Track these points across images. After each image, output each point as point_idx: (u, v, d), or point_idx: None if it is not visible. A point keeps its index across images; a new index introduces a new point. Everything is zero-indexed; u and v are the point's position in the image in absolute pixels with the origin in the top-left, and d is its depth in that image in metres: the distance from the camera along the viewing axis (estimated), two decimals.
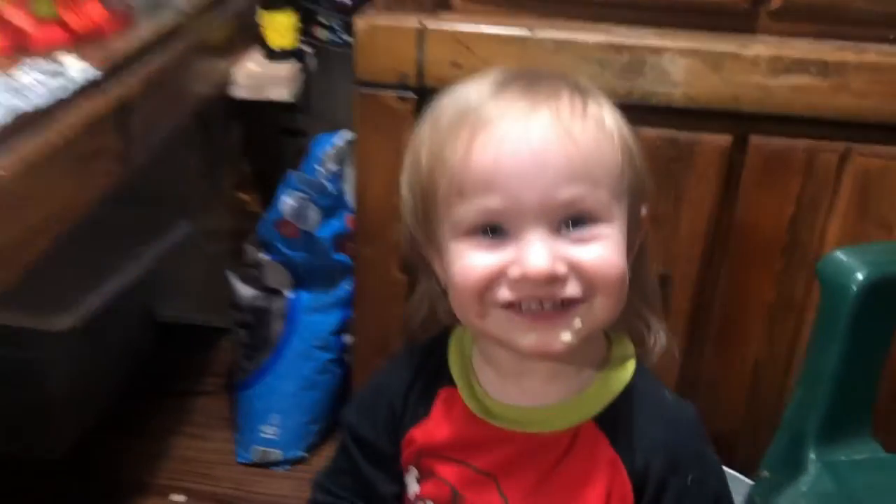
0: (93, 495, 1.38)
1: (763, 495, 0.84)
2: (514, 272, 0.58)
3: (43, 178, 0.68)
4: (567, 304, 0.59)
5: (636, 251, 0.65)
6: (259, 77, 1.25)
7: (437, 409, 0.70)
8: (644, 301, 0.68)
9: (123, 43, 0.90)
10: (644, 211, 0.65)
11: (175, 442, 1.53)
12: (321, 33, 1.39)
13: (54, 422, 1.43)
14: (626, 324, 0.69)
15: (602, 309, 0.60)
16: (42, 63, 0.77)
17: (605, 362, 0.67)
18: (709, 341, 1.27)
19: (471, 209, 0.58)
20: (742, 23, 1.13)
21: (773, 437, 1.21)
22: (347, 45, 1.39)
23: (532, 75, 0.62)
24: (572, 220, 0.58)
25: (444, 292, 0.67)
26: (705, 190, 1.16)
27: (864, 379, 0.84)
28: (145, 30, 0.95)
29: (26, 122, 0.67)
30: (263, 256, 1.36)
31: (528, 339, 0.60)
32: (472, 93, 0.61)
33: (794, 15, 1.11)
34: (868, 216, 1.14)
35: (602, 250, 0.58)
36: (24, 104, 0.67)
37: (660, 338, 0.68)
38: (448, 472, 0.68)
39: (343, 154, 1.31)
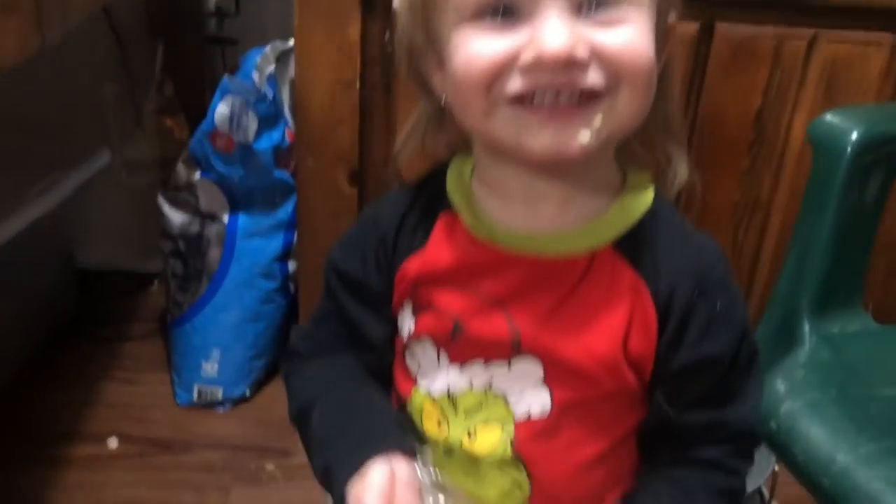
0: (24, 446, 1.27)
1: None
2: (528, 56, 0.50)
3: None
4: (587, 98, 0.51)
5: (661, 66, 0.57)
6: None
7: (436, 235, 0.61)
8: (666, 129, 0.61)
9: None
10: (673, 17, 0.57)
11: (106, 388, 1.42)
12: None
13: None
14: (643, 156, 0.61)
15: (627, 105, 0.52)
16: None
17: (622, 189, 0.60)
18: None
19: None
20: None
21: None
22: None
23: None
24: (596, 2, 0.50)
25: (443, 112, 0.59)
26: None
27: (858, 246, 0.80)
28: None
29: None
30: (196, 176, 1.25)
31: (542, 138, 0.52)
32: None
33: None
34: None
35: (630, 34, 0.51)
36: None
37: (681, 169, 0.61)
38: (450, 300, 0.60)
39: (281, 61, 1.21)
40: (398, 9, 0.57)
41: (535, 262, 0.58)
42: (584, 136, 0.51)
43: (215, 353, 1.34)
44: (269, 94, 1.18)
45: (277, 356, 1.42)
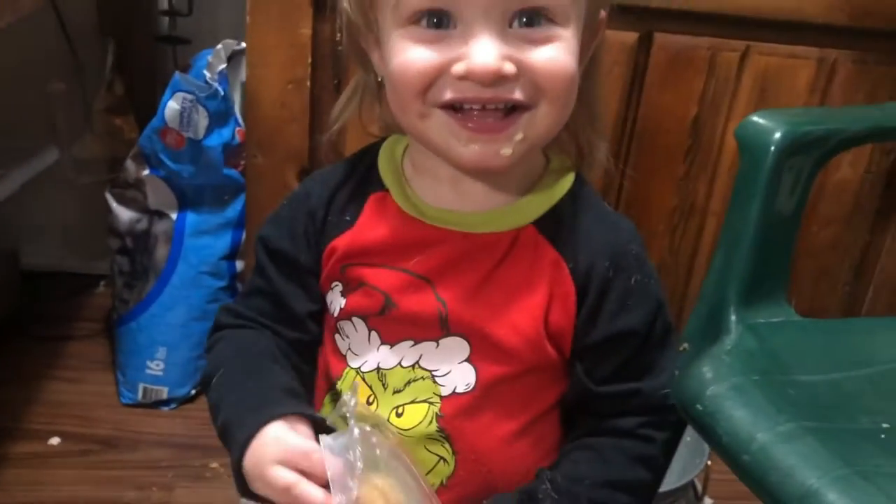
0: None
1: (685, 365, 0.83)
2: (459, 69, 0.53)
3: None
4: (510, 113, 0.55)
5: (589, 58, 0.61)
6: None
7: (366, 214, 0.64)
8: (591, 119, 0.64)
9: None
10: (602, 14, 0.61)
11: (49, 387, 1.40)
12: None
13: None
14: (568, 142, 0.65)
15: (546, 118, 0.56)
16: None
17: (545, 173, 0.64)
18: None
19: None
20: None
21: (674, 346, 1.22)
22: None
23: None
24: (526, 16, 0.54)
25: (381, 86, 0.61)
26: (612, 88, 1.15)
27: (781, 240, 0.84)
28: None
29: None
30: (145, 173, 1.25)
31: (470, 150, 0.56)
32: None
33: None
34: None
35: (555, 52, 0.54)
36: None
37: (599, 156, 0.65)
38: (379, 277, 0.63)
39: (233, 61, 1.23)
40: None
41: (462, 240, 0.61)
42: (506, 150, 0.56)
43: (161, 352, 1.34)
44: (221, 91, 1.19)
45: None
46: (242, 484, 0.59)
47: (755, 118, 0.82)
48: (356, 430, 0.55)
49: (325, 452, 0.55)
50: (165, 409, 1.37)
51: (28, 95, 1.48)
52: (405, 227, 0.63)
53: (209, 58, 1.21)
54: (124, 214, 1.30)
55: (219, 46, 1.21)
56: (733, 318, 0.82)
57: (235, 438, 0.59)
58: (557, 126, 0.58)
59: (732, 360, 0.79)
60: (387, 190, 0.64)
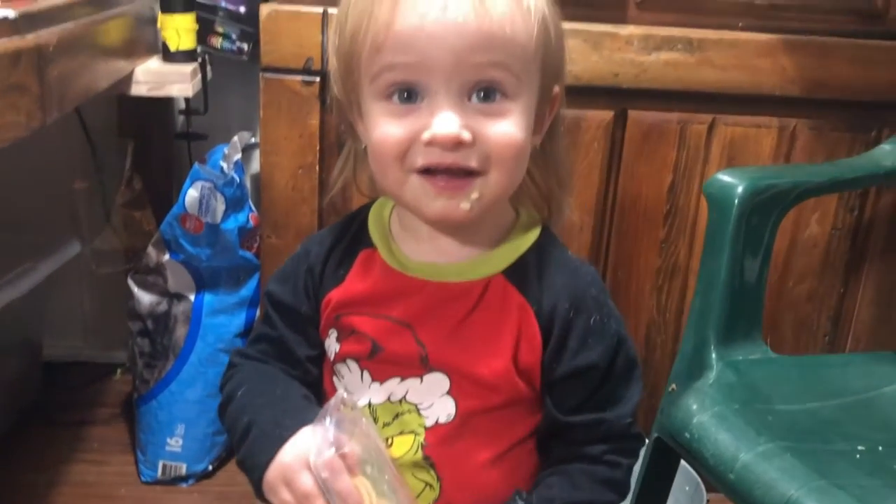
0: None
1: (672, 403, 0.90)
2: (426, 136, 0.62)
3: None
4: (468, 176, 0.64)
5: (547, 128, 0.71)
6: (159, 74, 1.27)
7: (356, 269, 0.73)
8: (558, 180, 0.74)
9: (35, 3, 0.91)
10: (556, 89, 0.70)
11: (73, 469, 1.46)
12: (217, 41, 1.43)
13: None
14: (539, 200, 0.74)
15: (497, 182, 0.64)
16: None
17: (514, 227, 0.72)
18: None
19: (388, 68, 0.62)
20: (613, 14, 1.26)
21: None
22: (243, 52, 1.44)
23: None
24: (482, 91, 0.62)
25: (366, 152, 0.70)
26: (592, 163, 1.26)
27: (752, 284, 0.93)
28: (51, 2, 0.96)
29: None
30: (165, 258, 1.35)
31: (435, 205, 0.64)
32: None
33: (657, 4, 1.25)
34: None
35: (507, 127, 0.63)
36: None
37: (564, 208, 0.74)
38: (367, 325, 0.71)
39: (244, 149, 1.34)
40: (330, 72, 0.71)
41: (438, 289, 0.69)
42: (465, 205, 0.64)
43: (180, 429, 1.40)
44: (237, 179, 1.30)
45: None
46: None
47: (721, 175, 0.93)
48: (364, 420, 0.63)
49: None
50: (184, 485, 1.43)
51: (52, 193, 1.59)
52: (388, 279, 0.71)
53: (225, 149, 1.32)
54: (145, 298, 1.38)
55: (234, 139, 1.32)
56: (714, 355, 0.91)
57: (270, 437, 0.66)
58: (509, 187, 0.67)
59: (715, 393, 0.87)
60: (374, 247, 0.73)
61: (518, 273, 0.70)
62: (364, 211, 0.76)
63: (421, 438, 0.70)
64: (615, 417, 0.70)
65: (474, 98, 0.63)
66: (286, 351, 0.75)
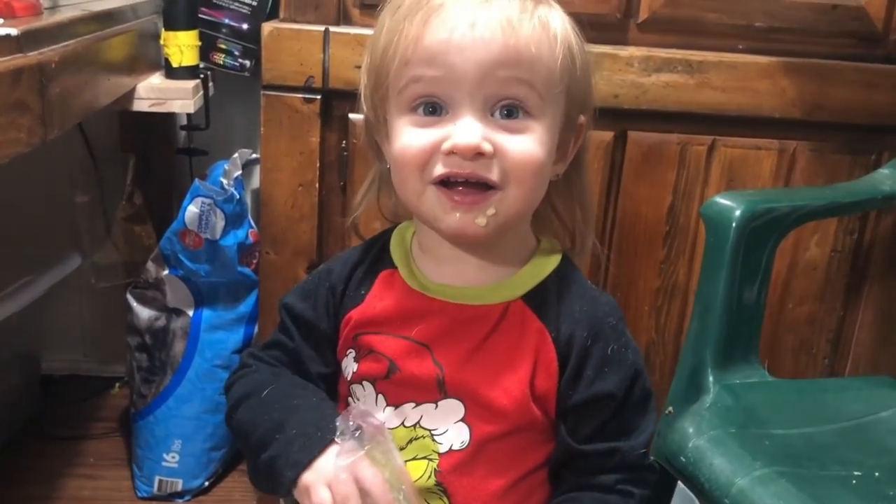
0: None
1: (668, 426, 0.90)
2: (447, 146, 0.63)
3: None
4: (485, 191, 0.64)
5: (571, 158, 0.72)
6: (161, 90, 1.28)
7: (376, 288, 0.73)
8: (583, 214, 0.74)
9: (39, 21, 0.92)
10: (582, 119, 0.70)
11: (69, 484, 1.45)
12: (220, 58, 1.43)
13: None
14: (561, 231, 0.75)
15: (514, 199, 0.65)
16: None
17: (534, 254, 0.73)
18: None
19: (415, 80, 0.63)
20: (614, 35, 1.26)
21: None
22: (245, 68, 1.45)
23: None
24: (505, 108, 0.63)
25: (390, 173, 0.71)
26: (593, 181, 1.25)
27: (750, 307, 0.93)
28: (54, 19, 0.97)
29: None
30: (165, 273, 1.35)
31: (451, 219, 0.64)
32: None
33: (659, 26, 1.25)
34: None
35: (527, 143, 0.64)
36: None
37: (587, 242, 0.75)
38: (385, 345, 0.71)
39: (245, 165, 1.34)
40: (360, 91, 0.71)
41: (458, 311, 0.70)
42: (481, 220, 0.65)
43: (176, 444, 1.39)
44: (237, 195, 1.30)
45: (235, 448, 1.48)
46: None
47: (718, 198, 0.93)
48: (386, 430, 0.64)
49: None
50: (179, 500, 1.42)
51: (53, 206, 1.59)
52: (408, 300, 0.71)
53: (226, 165, 1.33)
54: (144, 313, 1.38)
55: (235, 155, 1.32)
56: (710, 378, 0.90)
57: (312, 438, 0.66)
58: (526, 206, 0.67)
59: (711, 416, 0.87)
60: (395, 268, 0.73)
61: (537, 298, 0.70)
62: (387, 234, 0.77)
63: (434, 464, 0.70)
64: (629, 448, 0.69)
65: (497, 114, 0.64)
66: (300, 364, 0.75)
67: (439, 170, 0.64)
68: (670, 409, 0.93)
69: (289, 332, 0.76)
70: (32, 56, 0.84)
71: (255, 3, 1.41)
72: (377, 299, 0.73)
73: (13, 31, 0.80)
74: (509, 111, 0.63)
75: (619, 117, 1.24)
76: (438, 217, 0.65)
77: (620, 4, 1.24)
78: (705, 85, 1.22)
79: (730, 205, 0.91)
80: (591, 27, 1.23)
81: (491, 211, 0.64)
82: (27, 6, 0.95)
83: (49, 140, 0.89)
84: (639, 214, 1.28)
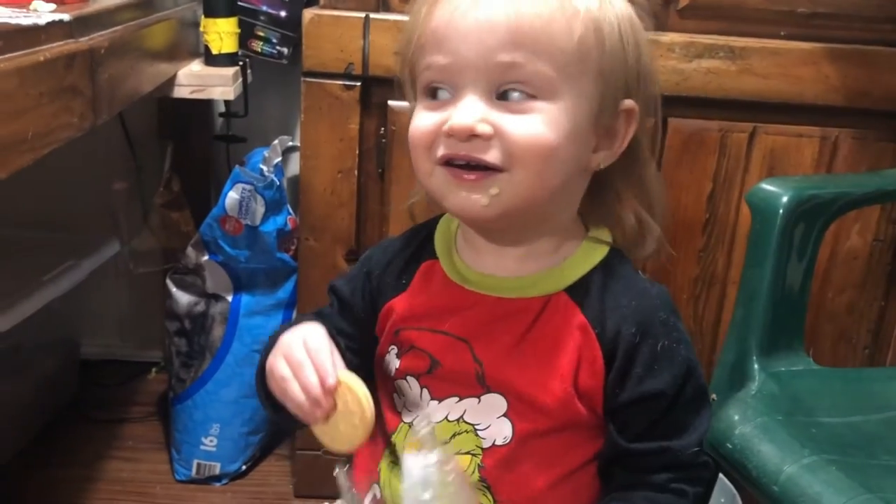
0: None
1: (713, 414, 0.90)
2: (445, 127, 0.62)
3: (28, 88, 0.70)
4: (485, 170, 0.62)
5: (623, 145, 0.67)
6: (201, 77, 1.29)
7: (417, 279, 0.73)
8: (647, 203, 0.71)
9: (87, 7, 0.93)
10: (628, 104, 0.65)
11: (108, 466, 1.48)
12: (257, 45, 1.44)
13: None
14: (612, 217, 0.71)
15: (521, 182, 0.62)
16: (15, 8, 0.80)
17: (580, 245, 0.70)
18: None
19: (427, 67, 0.64)
20: (655, 21, 1.24)
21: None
22: (283, 56, 1.45)
23: None
24: (512, 90, 0.61)
25: None
26: (659, 175, 1.25)
27: (795, 295, 0.92)
28: (101, 5, 0.98)
29: (11, 35, 0.69)
30: (204, 258, 1.36)
31: (455, 197, 0.63)
32: None
33: (699, 12, 1.24)
34: None
35: (532, 124, 0.61)
36: (9, 20, 0.70)
37: (648, 238, 0.71)
38: (425, 340, 0.70)
39: (284, 153, 1.35)
40: (396, 81, 0.72)
41: (496, 304, 0.68)
42: (483, 200, 0.62)
43: (215, 429, 1.41)
44: (277, 182, 1.31)
45: (272, 432, 1.50)
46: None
47: (764, 185, 0.92)
48: (435, 455, 0.62)
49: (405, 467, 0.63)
50: (217, 484, 1.44)
51: (93, 193, 1.61)
52: (447, 292, 0.70)
53: (265, 152, 1.33)
54: (183, 298, 1.40)
55: (275, 142, 1.33)
56: (756, 366, 0.90)
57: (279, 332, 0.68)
58: (536, 192, 0.63)
59: (757, 403, 0.87)
60: (437, 258, 0.73)
61: (581, 292, 0.67)
62: (433, 222, 0.76)
63: (478, 460, 0.69)
64: (681, 447, 0.67)
65: (502, 96, 0.62)
66: (333, 331, 0.73)
67: (441, 150, 0.63)
68: (714, 396, 0.92)
69: (332, 305, 0.77)
70: (84, 41, 0.85)
71: None
72: (417, 292, 0.72)
73: (65, 17, 0.81)
74: (515, 92, 0.62)
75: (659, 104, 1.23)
76: (445, 195, 0.65)
77: None
78: (747, 71, 1.21)
79: (776, 191, 0.90)
80: None
81: (494, 191, 0.62)
82: None
83: (98, 125, 0.90)
84: (678, 202, 1.27)
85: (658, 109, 0.70)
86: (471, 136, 0.61)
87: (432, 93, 0.64)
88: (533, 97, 0.61)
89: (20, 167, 0.70)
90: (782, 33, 1.24)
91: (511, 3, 0.60)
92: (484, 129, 0.61)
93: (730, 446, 0.82)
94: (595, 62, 0.63)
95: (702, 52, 1.20)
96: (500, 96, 0.62)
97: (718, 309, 1.32)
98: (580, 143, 0.64)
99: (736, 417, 0.84)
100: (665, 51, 1.20)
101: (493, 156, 0.61)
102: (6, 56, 0.68)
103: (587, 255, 0.69)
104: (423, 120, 0.64)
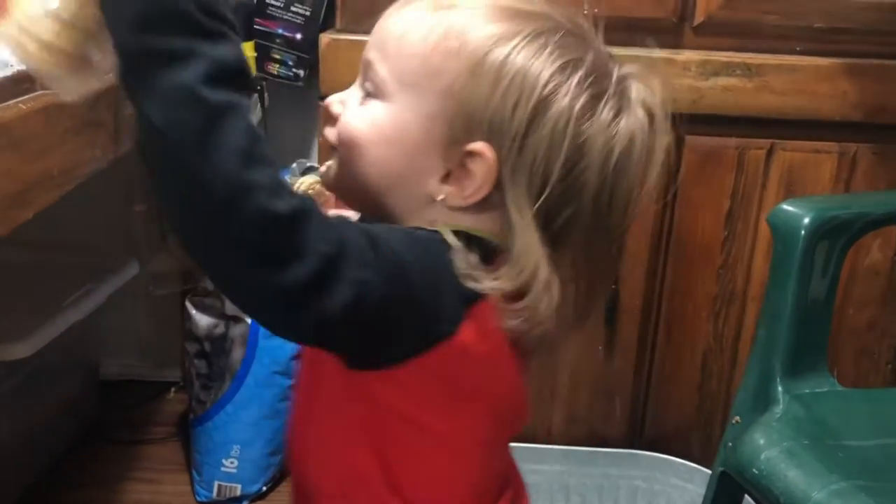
0: None
1: (736, 437, 0.89)
2: None
3: (54, 126, 0.70)
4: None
5: (476, 192, 0.60)
6: None
7: None
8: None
9: None
10: (478, 146, 0.59)
11: (129, 488, 1.48)
12: (274, 68, 1.45)
13: (2, 473, 1.37)
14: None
15: (340, 166, 0.64)
16: None
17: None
18: (659, 337, 1.34)
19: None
20: (670, 38, 1.25)
21: (724, 430, 1.27)
22: (299, 78, 1.46)
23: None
24: (367, 89, 0.63)
25: None
26: (648, 188, 1.25)
27: (818, 316, 0.92)
28: None
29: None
30: None
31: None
32: None
33: (714, 29, 1.24)
34: None
35: (354, 115, 0.63)
36: None
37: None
38: None
39: (303, 174, 1.35)
40: None
41: None
42: (324, 169, 0.66)
43: (235, 450, 1.41)
44: None
45: None
46: None
47: (785, 206, 0.91)
48: None
49: None
50: None
51: (112, 216, 1.62)
52: None
53: (287, 176, 1.34)
54: (203, 321, 1.40)
55: (294, 165, 1.33)
56: (780, 388, 0.89)
57: None
58: (347, 178, 0.63)
59: (782, 427, 0.86)
60: None
61: None
62: None
63: None
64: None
65: (363, 91, 0.64)
66: None
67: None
68: (737, 418, 0.92)
69: None
70: (108, 77, 0.85)
71: (308, 13, 1.42)
72: None
73: None
74: (367, 91, 0.63)
75: (676, 121, 1.23)
76: None
77: (676, 8, 1.23)
78: (764, 88, 1.21)
79: (798, 212, 0.90)
80: (647, 31, 1.24)
81: (329, 162, 0.65)
82: None
83: (119, 155, 0.90)
84: (696, 220, 1.27)
85: (547, 183, 0.59)
86: (327, 113, 0.65)
87: None
88: (373, 95, 0.63)
89: (47, 204, 0.71)
90: (798, 49, 1.24)
91: (398, 17, 0.63)
92: (334, 109, 0.65)
93: (755, 471, 0.82)
94: (441, 84, 0.60)
95: (718, 69, 1.20)
96: (361, 90, 0.65)
97: (738, 326, 1.32)
98: (407, 154, 0.61)
99: (761, 441, 0.84)
100: (681, 69, 1.20)
101: (330, 132, 0.65)
102: (33, 95, 0.69)
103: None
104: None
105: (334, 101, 0.65)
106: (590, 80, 0.60)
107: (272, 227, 0.50)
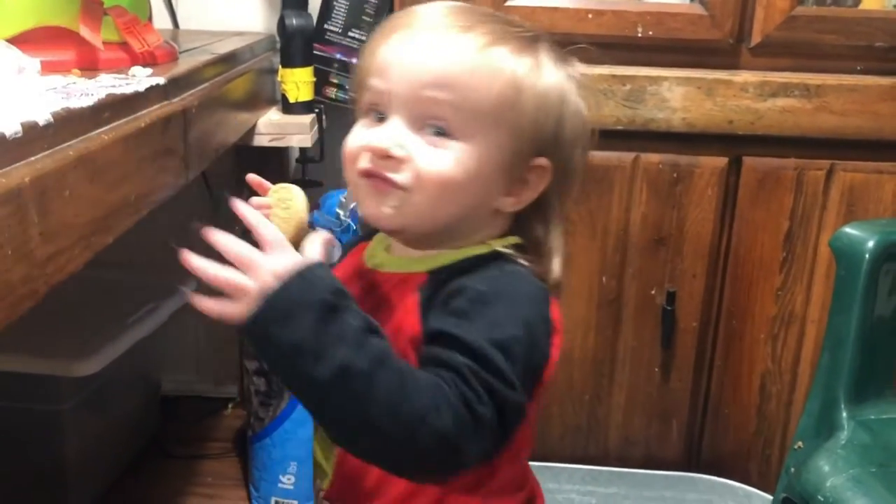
0: None
1: (800, 463, 0.88)
2: (366, 144, 0.67)
3: (131, 154, 0.73)
4: (389, 184, 0.66)
5: (532, 195, 0.69)
6: (280, 125, 1.33)
7: (346, 256, 0.79)
8: (545, 231, 0.71)
9: (177, 66, 0.97)
10: (541, 161, 0.68)
11: (188, 502, 1.51)
12: (332, 92, 1.48)
13: (70, 487, 1.41)
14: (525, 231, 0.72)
15: (417, 205, 0.66)
16: (116, 74, 0.84)
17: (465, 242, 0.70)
18: (716, 359, 1.33)
19: (367, 89, 0.68)
20: (726, 59, 1.25)
21: (783, 454, 1.26)
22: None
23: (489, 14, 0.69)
24: (433, 126, 0.65)
25: None
26: (706, 210, 1.25)
27: (883, 340, 0.90)
28: (189, 64, 1.02)
29: (116, 105, 0.73)
30: None
31: (366, 206, 0.68)
32: (420, 7, 0.70)
33: (772, 50, 1.24)
34: None
35: (442, 158, 0.65)
36: (113, 90, 0.73)
37: (555, 264, 0.71)
38: None
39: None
40: None
41: (371, 273, 0.73)
42: (386, 210, 0.66)
43: (292, 467, 1.43)
44: (353, 226, 1.34)
45: None
46: None
47: (848, 229, 0.90)
48: None
49: None
50: None
51: (173, 237, 1.66)
52: (349, 263, 0.77)
53: (342, 197, 1.36)
54: None
55: (342, 198, 1.36)
56: (845, 414, 0.88)
57: None
58: (432, 215, 0.67)
59: (848, 454, 0.85)
60: (369, 241, 0.77)
61: (440, 272, 0.68)
62: None
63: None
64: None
65: (427, 129, 0.66)
66: None
67: (362, 164, 0.67)
68: (800, 443, 0.91)
69: None
70: (177, 102, 0.89)
71: (364, 38, 1.45)
72: (338, 265, 0.78)
73: (161, 80, 0.85)
74: (437, 129, 0.66)
75: (734, 143, 1.23)
76: (361, 203, 0.69)
77: (733, 29, 1.23)
78: (824, 108, 1.20)
79: (861, 235, 0.89)
80: (703, 53, 1.24)
81: (393, 202, 0.66)
82: (166, 53, 1.00)
83: (189, 181, 0.93)
84: (755, 241, 1.26)
85: (575, 172, 0.72)
86: (385, 156, 0.65)
87: (370, 114, 0.69)
88: (448, 135, 0.66)
89: (126, 229, 0.74)
90: (859, 68, 1.23)
91: (445, 48, 0.66)
92: (398, 152, 0.65)
93: (821, 499, 0.81)
94: (510, 119, 0.67)
95: (776, 90, 1.19)
96: (422, 128, 0.66)
97: (797, 347, 1.30)
98: (484, 184, 0.68)
99: (826, 468, 0.83)
100: (738, 90, 1.20)
101: (402, 177, 0.66)
102: (112, 125, 0.72)
103: (467, 251, 0.70)
104: (355, 135, 0.69)
105: (393, 146, 0.65)
106: (568, 71, 0.70)
107: (450, 443, 0.57)
